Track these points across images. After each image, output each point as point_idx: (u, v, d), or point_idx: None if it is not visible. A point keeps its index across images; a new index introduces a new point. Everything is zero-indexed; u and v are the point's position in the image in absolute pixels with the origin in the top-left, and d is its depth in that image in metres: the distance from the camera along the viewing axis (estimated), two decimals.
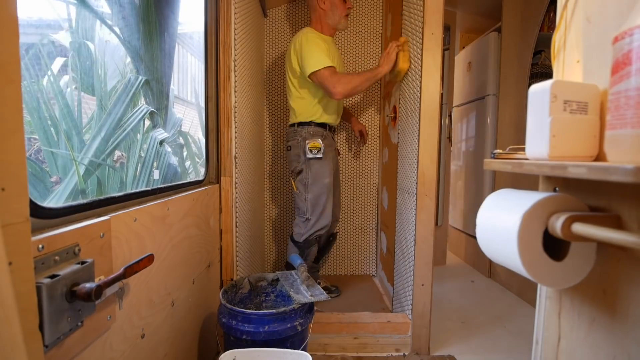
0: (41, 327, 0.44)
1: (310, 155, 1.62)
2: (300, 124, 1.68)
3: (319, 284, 1.86)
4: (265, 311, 1.02)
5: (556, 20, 0.58)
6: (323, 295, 1.08)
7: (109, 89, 1.47)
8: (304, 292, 1.10)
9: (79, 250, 0.53)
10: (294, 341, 1.06)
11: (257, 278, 1.31)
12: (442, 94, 1.88)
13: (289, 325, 1.02)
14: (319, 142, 1.62)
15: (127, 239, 0.68)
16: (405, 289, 1.53)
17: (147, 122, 1.59)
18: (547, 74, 1.95)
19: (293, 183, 1.71)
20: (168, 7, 1.64)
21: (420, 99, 1.37)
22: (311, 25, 1.70)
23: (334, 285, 1.91)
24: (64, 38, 1.39)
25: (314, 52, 1.53)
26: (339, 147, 2.11)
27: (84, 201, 0.62)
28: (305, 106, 1.66)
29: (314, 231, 1.66)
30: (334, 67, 1.54)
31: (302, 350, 1.02)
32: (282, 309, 1.02)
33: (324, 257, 2.00)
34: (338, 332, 1.42)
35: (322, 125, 1.68)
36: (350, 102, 2.16)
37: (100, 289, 0.50)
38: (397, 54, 1.55)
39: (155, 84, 1.59)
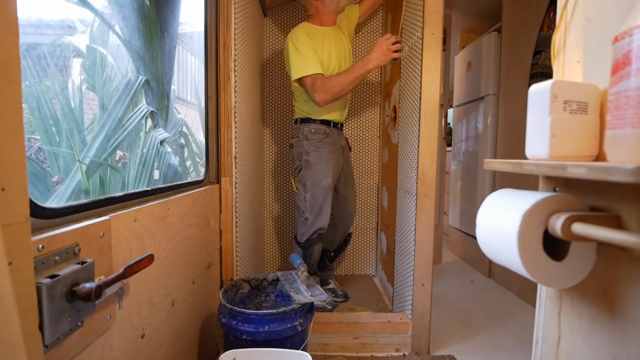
0: (41, 327, 0.44)
1: (307, 157, 1.60)
2: (303, 120, 1.65)
3: (330, 284, 1.83)
4: (265, 311, 1.02)
5: (556, 20, 0.58)
6: (323, 296, 1.08)
7: (111, 90, 1.47)
8: (304, 292, 1.10)
9: (79, 250, 0.53)
10: (294, 341, 1.06)
11: (257, 278, 1.31)
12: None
13: (288, 325, 1.02)
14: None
15: (127, 239, 0.68)
16: (405, 289, 1.53)
17: (148, 122, 1.59)
18: (547, 74, 1.95)
19: (293, 183, 1.68)
20: (168, 7, 1.64)
21: (420, 99, 1.37)
22: (308, 20, 1.64)
23: (343, 290, 1.84)
24: (79, 41, 1.40)
25: (298, 58, 1.50)
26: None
27: (84, 201, 0.62)
28: (304, 103, 1.63)
29: (314, 230, 1.64)
30: (317, 74, 1.49)
31: (302, 350, 1.02)
32: (282, 309, 1.02)
33: (339, 257, 1.98)
34: (338, 332, 1.42)
35: (325, 122, 1.64)
36: (352, 102, 2.16)
37: (100, 289, 0.50)
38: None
39: (156, 84, 1.59)
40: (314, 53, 1.52)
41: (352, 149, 2.18)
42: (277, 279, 1.30)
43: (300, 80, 1.53)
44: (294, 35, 1.53)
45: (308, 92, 1.52)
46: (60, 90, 1.29)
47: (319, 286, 1.15)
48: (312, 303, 1.12)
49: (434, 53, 1.33)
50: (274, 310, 1.02)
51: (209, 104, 1.30)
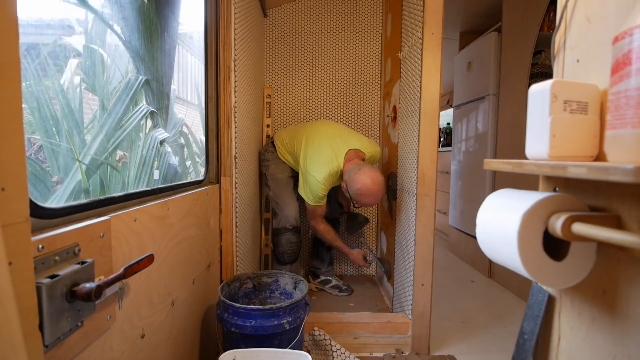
0: (41, 327, 0.44)
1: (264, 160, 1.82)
2: (272, 144, 1.85)
3: (331, 282, 1.94)
4: (252, 306, 1.03)
5: (556, 20, 0.58)
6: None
7: (111, 90, 1.47)
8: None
9: (79, 250, 0.53)
10: (282, 339, 1.07)
11: (261, 274, 1.32)
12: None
13: (275, 322, 1.03)
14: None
15: (127, 239, 0.68)
16: (405, 289, 1.52)
17: (148, 122, 1.59)
18: (547, 74, 1.95)
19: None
20: (168, 7, 1.64)
21: (420, 99, 1.37)
22: (346, 165, 1.62)
23: (346, 284, 1.95)
24: (76, 41, 1.40)
25: (316, 186, 1.59)
26: None
27: (84, 201, 0.62)
28: (280, 146, 1.81)
29: (282, 226, 1.75)
30: (322, 207, 1.68)
31: (292, 348, 1.03)
32: (269, 306, 1.04)
33: (353, 232, 2.05)
34: (338, 332, 1.42)
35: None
36: (352, 102, 2.16)
37: (100, 289, 0.50)
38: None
39: (156, 84, 1.59)
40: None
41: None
42: (280, 277, 1.30)
43: (308, 205, 1.67)
44: (320, 177, 1.58)
45: (310, 215, 1.72)
46: (60, 90, 1.28)
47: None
48: (305, 303, 1.14)
49: (434, 53, 1.34)
50: (260, 306, 1.03)
51: (209, 104, 1.30)
